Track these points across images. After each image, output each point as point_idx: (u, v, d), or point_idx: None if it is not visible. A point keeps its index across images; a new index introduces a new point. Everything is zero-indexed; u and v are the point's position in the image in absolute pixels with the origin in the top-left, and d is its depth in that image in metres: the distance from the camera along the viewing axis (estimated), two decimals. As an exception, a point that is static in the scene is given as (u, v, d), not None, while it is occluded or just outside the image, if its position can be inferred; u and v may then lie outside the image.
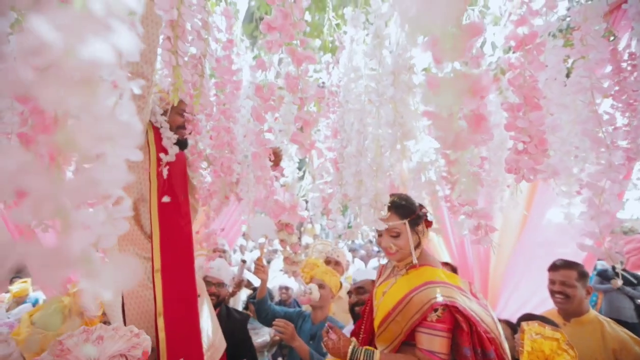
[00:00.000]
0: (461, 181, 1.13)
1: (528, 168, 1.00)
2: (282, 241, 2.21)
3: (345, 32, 1.70)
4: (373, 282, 2.45)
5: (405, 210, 1.61)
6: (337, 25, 2.02)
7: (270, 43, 0.95)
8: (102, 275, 0.31)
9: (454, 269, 3.12)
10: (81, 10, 0.34)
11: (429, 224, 1.72)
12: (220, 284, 2.81)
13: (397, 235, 1.61)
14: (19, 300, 5.32)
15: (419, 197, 1.85)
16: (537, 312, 2.71)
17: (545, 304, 2.83)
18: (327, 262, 3.47)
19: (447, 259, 3.67)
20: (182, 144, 1.78)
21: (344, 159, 1.72)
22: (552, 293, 2.30)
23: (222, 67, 1.46)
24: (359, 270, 2.80)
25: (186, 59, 0.97)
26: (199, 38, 1.04)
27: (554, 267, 2.34)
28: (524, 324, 1.71)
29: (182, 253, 1.78)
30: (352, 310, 2.54)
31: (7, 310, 4.15)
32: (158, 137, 1.70)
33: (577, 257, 2.58)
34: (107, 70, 0.37)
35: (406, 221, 1.59)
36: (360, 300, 2.46)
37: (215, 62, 1.49)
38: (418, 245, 1.68)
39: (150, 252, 1.67)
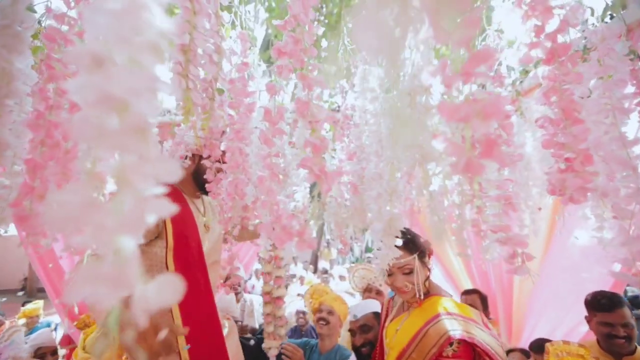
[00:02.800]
0: (492, 205, 1.09)
1: (576, 188, 0.91)
2: (267, 274, 2.15)
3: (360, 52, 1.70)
4: (374, 314, 2.33)
5: (413, 244, 1.55)
6: (352, 49, 2.03)
7: (280, 68, 0.95)
8: (151, 294, 0.35)
9: (482, 297, 3.01)
10: (134, 66, 0.38)
11: (431, 252, 1.66)
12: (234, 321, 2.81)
13: (410, 272, 1.54)
14: (30, 323, 5.39)
15: (438, 222, 1.80)
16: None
17: (574, 332, 2.70)
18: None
19: (469, 285, 3.56)
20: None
21: (364, 181, 1.68)
22: (609, 337, 2.04)
23: (236, 89, 1.47)
24: (359, 304, 2.54)
25: (198, 84, 0.97)
26: (211, 62, 1.05)
27: (604, 307, 2.07)
28: (547, 345, 1.63)
29: (208, 331, 1.73)
30: (357, 351, 2.33)
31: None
32: (175, 223, 1.69)
33: (604, 282, 2.47)
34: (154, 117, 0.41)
35: (415, 255, 1.54)
36: (367, 339, 2.28)
37: (228, 84, 1.51)
38: (427, 277, 1.62)
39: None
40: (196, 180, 1.87)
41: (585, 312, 2.38)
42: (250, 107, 1.53)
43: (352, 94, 2.06)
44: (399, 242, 1.23)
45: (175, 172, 0.37)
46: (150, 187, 0.36)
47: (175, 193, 1.80)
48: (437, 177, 1.16)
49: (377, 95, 1.38)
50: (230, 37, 1.67)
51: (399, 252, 1.27)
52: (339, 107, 3.11)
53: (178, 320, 1.62)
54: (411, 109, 0.95)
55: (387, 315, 1.82)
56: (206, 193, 1.83)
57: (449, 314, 1.46)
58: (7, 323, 5.95)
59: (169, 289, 0.35)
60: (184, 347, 1.58)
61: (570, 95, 0.93)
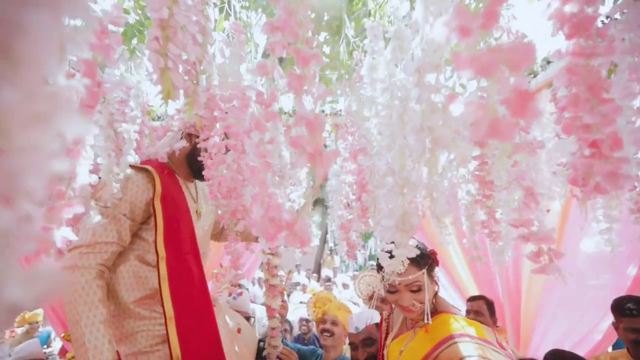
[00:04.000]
0: (508, 201, 0.98)
1: (605, 175, 0.77)
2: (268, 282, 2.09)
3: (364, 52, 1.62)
4: (377, 326, 2.14)
5: (422, 257, 1.35)
6: (355, 42, 1.95)
7: (273, 45, 0.85)
8: (19, 284, 0.27)
9: (489, 303, 2.88)
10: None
11: (437, 263, 1.47)
12: (247, 318, 2.74)
13: (418, 290, 1.35)
14: (31, 330, 5.26)
15: (443, 223, 1.69)
16: (579, 350, 2.46)
17: (587, 340, 2.58)
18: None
19: (474, 291, 3.43)
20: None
21: (374, 178, 1.57)
22: (638, 344, 1.93)
23: (229, 82, 1.38)
24: (358, 315, 2.31)
25: (180, 65, 0.88)
26: (195, 42, 0.95)
27: (630, 312, 1.95)
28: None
29: (201, 322, 1.58)
30: None
31: (11, 346, 4.11)
32: (166, 204, 1.57)
33: (618, 288, 2.37)
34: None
35: (424, 270, 1.35)
36: (370, 354, 2.09)
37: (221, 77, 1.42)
38: (435, 293, 1.44)
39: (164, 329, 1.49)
40: (190, 163, 1.74)
41: (598, 319, 2.28)
42: (245, 103, 1.44)
43: (356, 91, 1.98)
44: (413, 242, 1.10)
45: (83, 125, 0.26)
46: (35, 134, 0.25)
47: (168, 173, 1.67)
48: (446, 168, 1.02)
49: (387, 86, 1.27)
50: (224, 30, 1.59)
51: (416, 252, 1.12)
52: (340, 111, 3.05)
53: (170, 311, 1.48)
54: (420, 88, 0.84)
55: (387, 333, 1.65)
56: (200, 178, 1.73)
57: (461, 335, 1.28)
58: (7, 333, 5.87)
59: (41, 283, 0.24)
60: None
61: (598, 73, 0.82)
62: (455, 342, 1.25)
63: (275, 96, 0.87)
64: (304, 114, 0.62)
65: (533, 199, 0.92)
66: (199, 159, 1.47)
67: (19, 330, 5.62)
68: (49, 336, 5.49)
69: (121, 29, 1.15)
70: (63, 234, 0.82)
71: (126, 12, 1.69)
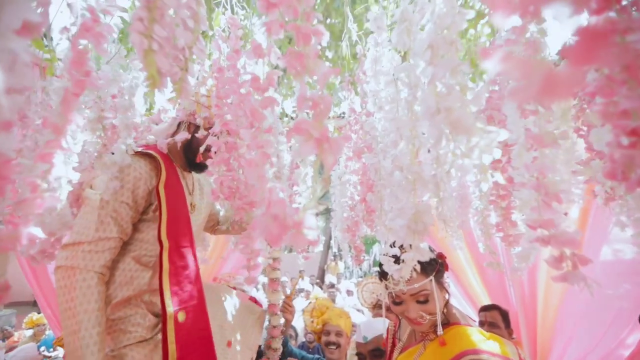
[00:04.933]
0: (526, 199, 0.88)
1: None
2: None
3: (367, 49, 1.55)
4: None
5: (428, 262, 1.22)
6: (359, 35, 1.89)
7: (270, 24, 0.77)
8: None
9: (503, 314, 2.74)
10: None
11: (446, 267, 1.34)
12: None
13: (425, 300, 1.22)
14: (38, 332, 5.24)
15: (452, 227, 1.59)
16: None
17: (612, 357, 2.43)
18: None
19: (486, 300, 3.30)
20: (202, 167, 1.62)
21: (380, 175, 1.49)
22: None
23: (225, 78, 1.32)
24: (367, 324, 2.17)
25: (167, 49, 0.79)
26: (185, 28, 0.87)
27: None
28: None
29: (200, 335, 1.47)
30: None
31: (7, 352, 4.12)
32: (169, 192, 1.48)
33: (638, 300, 2.25)
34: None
35: (432, 277, 1.22)
36: None
37: (217, 72, 1.38)
38: (446, 302, 1.30)
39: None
40: (187, 154, 1.65)
41: (625, 332, 2.17)
42: (243, 98, 1.36)
43: (358, 93, 1.93)
44: (425, 245, 0.98)
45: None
46: None
47: (169, 162, 1.58)
48: (467, 155, 0.90)
49: (391, 79, 1.17)
50: (220, 27, 1.52)
51: (430, 254, 0.99)
52: (343, 113, 2.97)
53: (170, 308, 1.36)
54: (433, 67, 0.75)
55: (394, 345, 1.53)
56: (195, 170, 1.67)
57: (477, 351, 1.14)
58: (16, 335, 5.92)
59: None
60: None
61: (635, 50, 0.71)
62: (472, 359, 1.12)
63: (273, 80, 0.79)
64: (308, 95, 0.53)
65: (555, 197, 0.82)
66: (197, 136, 1.42)
67: (27, 333, 5.61)
68: (53, 339, 5.44)
69: (117, 24, 1.09)
70: (29, 231, 0.73)
71: (129, 8, 1.63)
